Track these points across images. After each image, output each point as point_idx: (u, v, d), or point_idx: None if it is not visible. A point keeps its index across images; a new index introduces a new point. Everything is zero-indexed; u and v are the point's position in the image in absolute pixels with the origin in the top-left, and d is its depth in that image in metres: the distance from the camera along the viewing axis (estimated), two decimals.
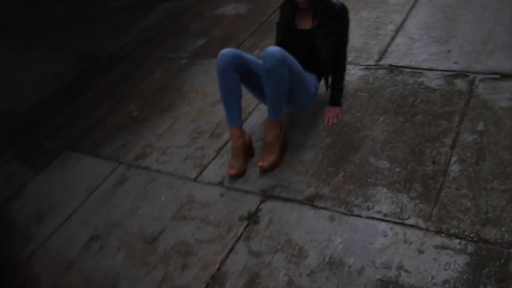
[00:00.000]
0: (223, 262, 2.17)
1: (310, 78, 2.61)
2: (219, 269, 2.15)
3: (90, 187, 3.11)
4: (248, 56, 2.52)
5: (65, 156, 3.62)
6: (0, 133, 4.55)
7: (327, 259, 1.99)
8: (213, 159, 2.83)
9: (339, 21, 2.58)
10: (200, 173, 2.76)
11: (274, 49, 2.29)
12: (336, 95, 2.74)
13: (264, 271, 2.05)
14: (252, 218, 2.30)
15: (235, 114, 2.55)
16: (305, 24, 2.65)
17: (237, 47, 3.92)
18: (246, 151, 2.63)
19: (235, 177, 2.58)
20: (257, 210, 2.35)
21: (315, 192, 2.31)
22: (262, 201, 2.39)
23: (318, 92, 2.72)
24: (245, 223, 2.31)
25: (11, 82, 5.77)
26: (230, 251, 2.21)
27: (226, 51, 2.45)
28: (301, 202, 2.29)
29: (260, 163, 2.51)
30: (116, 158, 3.27)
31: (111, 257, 2.49)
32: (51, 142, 3.93)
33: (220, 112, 3.19)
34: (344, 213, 2.16)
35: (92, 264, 2.51)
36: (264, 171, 2.54)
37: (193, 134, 3.12)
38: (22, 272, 2.71)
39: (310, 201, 2.28)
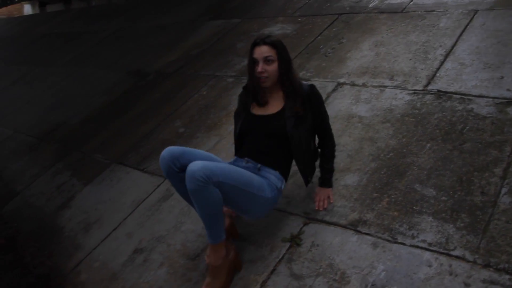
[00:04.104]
0: (264, 283, 2.17)
1: (269, 176, 2.28)
2: None
3: (136, 200, 3.19)
4: (198, 152, 2.24)
5: (112, 169, 3.74)
6: (53, 143, 4.75)
7: (369, 286, 1.97)
8: None
9: (312, 104, 2.32)
10: None
11: (195, 167, 1.96)
12: (327, 176, 2.47)
13: None
14: (295, 240, 2.31)
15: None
16: (266, 109, 2.36)
17: None
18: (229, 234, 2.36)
19: None
20: (300, 232, 2.35)
21: (358, 217, 2.30)
22: (305, 224, 2.39)
23: None
24: (288, 244, 2.31)
25: (64, 95, 6.03)
26: (272, 272, 2.21)
27: (165, 153, 2.16)
28: (344, 227, 2.28)
29: None
30: (161, 173, 3.34)
31: (154, 271, 2.54)
32: (99, 154, 4.07)
33: None
34: (387, 240, 2.13)
35: (136, 276, 2.57)
36: None
37: None
38: (69, 280, 2.81)
39: (354, 226, 2.26)
